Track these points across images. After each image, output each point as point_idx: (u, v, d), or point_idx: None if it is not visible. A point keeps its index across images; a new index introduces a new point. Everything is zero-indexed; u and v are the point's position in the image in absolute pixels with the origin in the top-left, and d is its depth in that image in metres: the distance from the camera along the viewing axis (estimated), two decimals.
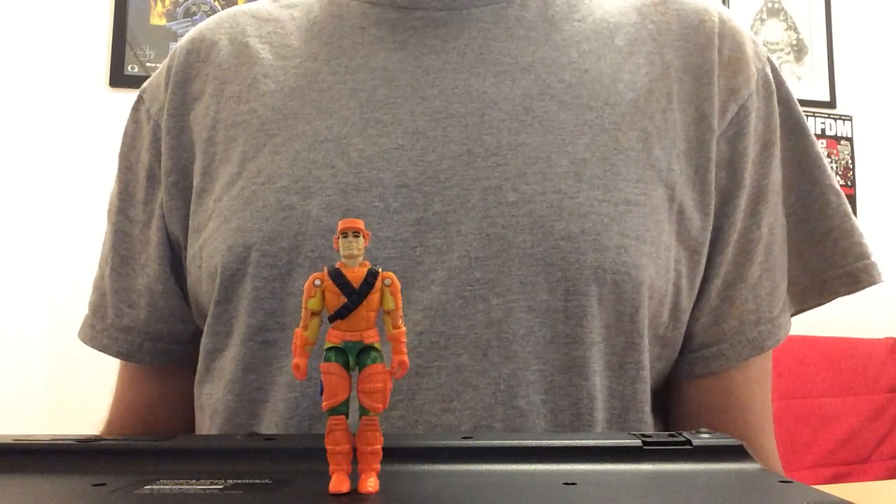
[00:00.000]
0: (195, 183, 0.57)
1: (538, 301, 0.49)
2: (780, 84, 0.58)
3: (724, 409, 0.56)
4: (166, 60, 0.62)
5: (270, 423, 0.51)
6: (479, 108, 0.53)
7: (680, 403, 0.58)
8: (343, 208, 0.50)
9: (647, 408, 0.52)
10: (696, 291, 0.54)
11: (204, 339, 0.55)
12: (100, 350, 0.62)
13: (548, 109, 0.53)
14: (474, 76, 0.54)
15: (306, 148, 0.53)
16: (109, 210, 0.63)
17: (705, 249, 0.54)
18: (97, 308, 0.62)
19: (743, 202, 0.55)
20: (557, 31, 0.56)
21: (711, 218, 0.54)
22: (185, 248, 0.58)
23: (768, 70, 0.58)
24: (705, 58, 0.55)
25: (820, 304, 0.58)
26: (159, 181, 0.59)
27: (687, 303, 0.54)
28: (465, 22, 0.56)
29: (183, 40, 0.62)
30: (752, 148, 0.55)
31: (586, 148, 0.52)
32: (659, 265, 0.51)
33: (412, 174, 0.51)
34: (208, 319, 0.54)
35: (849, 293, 0.57)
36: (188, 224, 0.57)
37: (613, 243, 0.49)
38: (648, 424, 0.52)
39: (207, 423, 0.55)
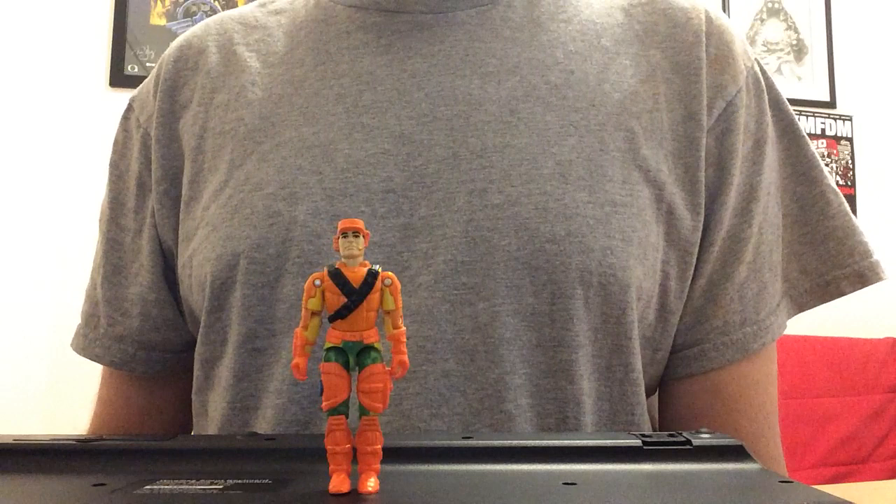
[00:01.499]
0: (183, 192, 0.57)
1: (524, 305, 0.49)
2: (770, 86, 0.58)
3: (712, 411, 0.55)
4: (154, 69, 0.62)
5: (261, 429, 0.51)
6: (464, 110, 0.52)
7: (669, 405, 0.57)
8: (330, 214, 0.50)
9: (640, 410, 0.52)
10: (686, 293, 0.54)
11: (199, 348, 0.55)
12: (92, 359, 0.61)
13: (533, 111, 0.52)
14: (460, 78, 0.54)
15: (293, 154, 0.53)
16: (100, 219, 0.63)
17: (697, 249, 0.54)
18: (89, 317, 0.62)
19: (731, 199, 0.54)
20: (543, 31, 0.56)
21: (702, 217, 0.54)
22: (177, 257, 0.57)
23: (757, 69, 0.58)
24: (693, 56, 0.55)
25: (820, 304, 0.58)
26: (150, 189, 0.59)
27: (675, 304, 0.54)
28: (450, 24, 0.56)
29: (171, 48, 0.62)
30: (741, 145, 0.55)
31: (572, 149, 0.51)
32: (646, 266, 0.51)
33: (398, 179, 0.51)
34: (201, 328, 0.54)
35: (854, 291, 0.56)
36: (179, 233, 0.57)
37: (599, 245, 0.49)
38: (640, 426, 0.52)
39: (208, 430, 0.55)
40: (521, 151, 0.51)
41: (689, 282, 0.54)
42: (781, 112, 0.58)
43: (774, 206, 0.57)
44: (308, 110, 0.54)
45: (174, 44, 0.62)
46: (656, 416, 0.59)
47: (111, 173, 0.62)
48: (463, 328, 0.49)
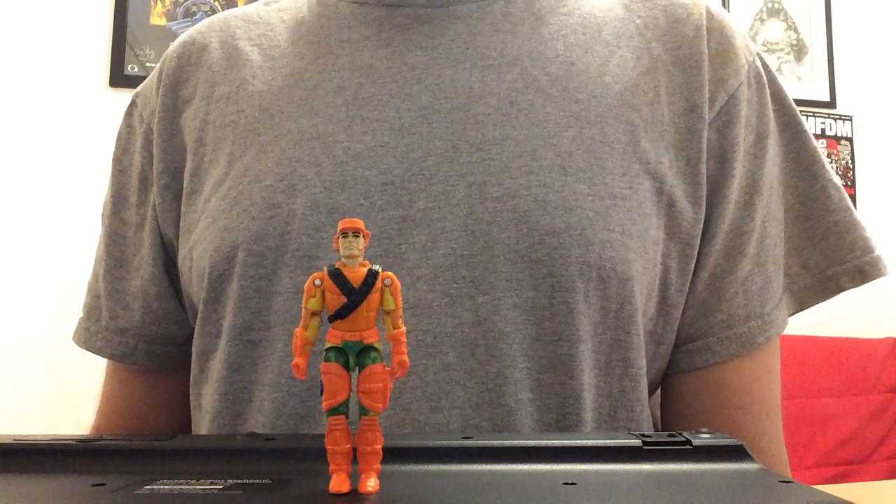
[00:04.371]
0: (185, 184, 0.57)
1: (524, 298, 0.49)
2: (772, 80, 0.58)
3: (714, 407, 0.55)
4: (158, 65, 0.62)
5: (256, 423, 0.51)
6: (464, 102, 0.52)
7: (671, 401, 0.57)
8: (328, 206, 0.50)
9: (640, 407, 0.52)
10: (687, 285, 0.54)
11: (195, 340, 0.55)
12: (94, 352, 0.62)
13: (533, 102, 0.52)
14: (460, 71, 0.54)
15: (292, 146, 0.53)
16: (103, 213, 0.63)
17: (698, 242, 0.54)
18: (91, 310, 0.62)
19: (734, 192, 0.54)
20: (544, 24, 0.56)
21: (704, 210, 0.53)
22: (178, 249, 0.58)
23: (759, 64, 0.58)
24: (694, 49, 0.55)
25: (821, 301, 0.58)
26: (152, 184, 0.59)
27: (677, 297, 0.53)
28: (450, 18, 0.56)
29: (174, 44, 0.62)
30: (743, 138, 0.55)
31: (572, 141, 0.51)
32: (646, 259, 0.51)
33: (397, 171, 0.51)
34: (198, 320, 0.54)
35: (854, 287, 0.56)
36: (180, 226, 0.57)
37: (599, 238, 0.49)
38: (641, 423, 0.52)
39: (203, 423, 0.55)
40: (520, 143, 0.51)
41: (691, 275, 0.54)
42: (783, 106, 0.58)
43: (777, 200, 0.57)
44: (307, 102, 0.54)
45: (177, 40, 0.63)
46: (658, 414, 0.59)
47: (114, 168, 0.63)
48: (463, 322, 0.49)
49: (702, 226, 0.54)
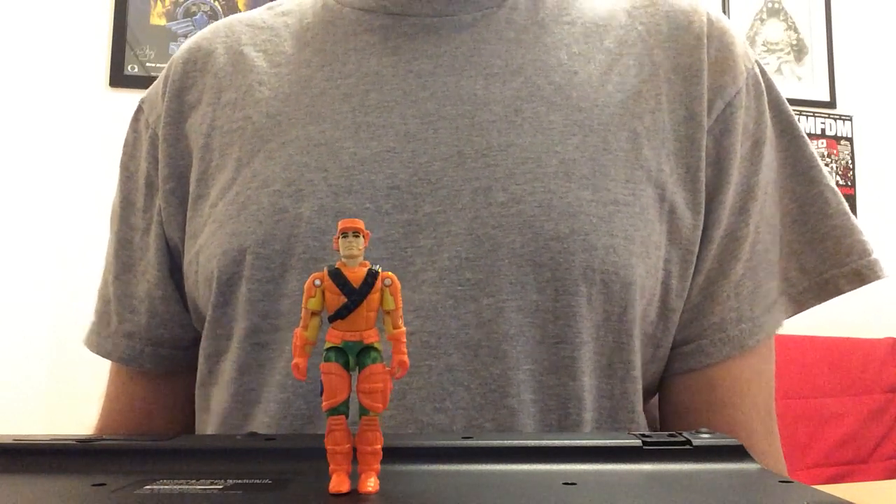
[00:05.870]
0: (191, 189, 0.57)
1: (528, 301, 0.49)
2: (770, 86, 0.59)
3: (707, 406, 0.56)
4: (164, 70, 0.63)
5: (262, 423, 0.51)
6: (469, 109, 0.53)
7: (666, 402, 0.58)
8: (335, 211, 0.51)
9: (639, 408, 0.53)
10: (687, 291, 0.54)
11: (203, 343, 0.55)
12: (103, 356, 0.63)
13: (537, 110, 0.53)
14: (465, 79, 0.54)
15: (299, 152, 0.53)
16: (111, 219, 0.64)
17: (697, 248, 0.54)
18: (102, 315, 0.63)
19: (729, 199, 0.55)
20: (547, 33, 0.57)
21: (703, 216, 0.54)
22: (183, 253, 0.58)
23: (758, 70, 0.58)
24: (694, 57, 0.56)
25: (820, 303, 0.58)
26: (157, 188, 0.60)
27: (676, 302, 0.54)
28: (455, 27, 0.56)
29: (180, 50, 0.63)
30: (740, 145, 0.55)
31: (576, 148, 0.52)
32: (648, 265, 0.51)
33: (403, 176, 0.51)
34: (206, 323, 0.55)
35: (852, 289, 0.56)
36: (186, 230, 0.58)
37: (602, 243, 0.50)
38: (639, 424, 0.52)
39: (209, 424, 0.55)
40: (525, 150, 0.51)
41: (690, 280, 0.54)
42: (781, 113, 0.59)
43: (772, 205, 0.57)
44: (314, 109, 0.55)
45: (183, 46, 0.64)
46: (657, 414, 0.59)
47: (121, 174, 0.63)
48: (467, 324, 0.49)
49: (700, 232, 0.54)
